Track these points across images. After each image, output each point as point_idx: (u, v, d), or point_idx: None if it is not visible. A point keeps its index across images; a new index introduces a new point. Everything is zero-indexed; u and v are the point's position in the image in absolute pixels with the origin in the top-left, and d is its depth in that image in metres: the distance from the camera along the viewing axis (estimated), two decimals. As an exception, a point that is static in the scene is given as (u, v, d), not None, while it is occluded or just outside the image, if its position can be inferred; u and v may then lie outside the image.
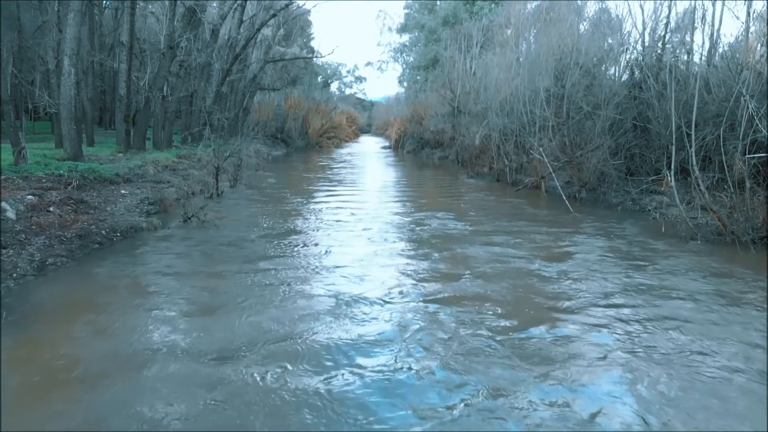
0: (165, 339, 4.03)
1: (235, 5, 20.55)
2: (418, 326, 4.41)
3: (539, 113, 13.32)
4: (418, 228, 8.56)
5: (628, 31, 13.82)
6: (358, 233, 8.10)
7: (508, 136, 15.19)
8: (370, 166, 22.74)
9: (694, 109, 7.65)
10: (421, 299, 5.07)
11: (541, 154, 11.83)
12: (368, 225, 8.74)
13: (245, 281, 5.49)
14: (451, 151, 23.58)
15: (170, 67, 16.71)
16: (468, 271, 5.99)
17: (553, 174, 11.60)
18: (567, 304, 5.01)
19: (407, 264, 6.36)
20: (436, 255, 6.78)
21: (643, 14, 13.37)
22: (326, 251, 6.88)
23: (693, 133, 7.49)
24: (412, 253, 6.96)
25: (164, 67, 16.05)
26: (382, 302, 4.96)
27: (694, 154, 7.45)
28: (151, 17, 22.79)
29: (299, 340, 4.07)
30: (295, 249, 6.99)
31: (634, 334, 4.32)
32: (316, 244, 7.28)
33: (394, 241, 7.61)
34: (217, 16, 20.07)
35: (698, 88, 7.87)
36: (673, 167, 7.74)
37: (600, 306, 4.97)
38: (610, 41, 14.88)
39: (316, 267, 6.15)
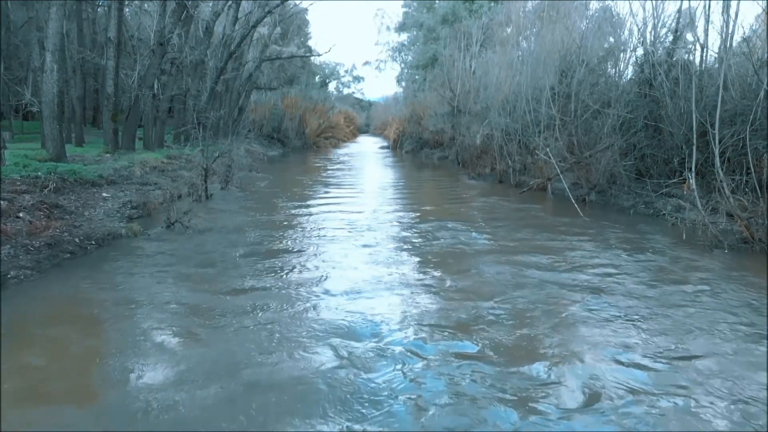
0: (109, 409, 3.12)
1: (229, 2, 19.97)
2: (438, 397, 3.34)
3: (545, 111, 12.76)
4: (425, 242, 7.60)
5: (636, 27, 13.27)
6: (359, 251, 7.01)
7: (511, 136, 14.63)
8: (368, 168, 22.16)
9: (718, 107, 7.09)
10: (441, 350, 4.01)
11: (547, 155, 11.27)
12: (369, 240, 7.68)
13: (222, 320, 4.47)
14: (451, 151, 23.05)
15: (161, 64, 16.11)
16: (494, 304, 4.98)
17: (561, 175, 11.03)
18: (629, 354, 3.98)
19: (419, 294, 5.30)
20: (453, 280, 5.74)
21: (653, 8, 12.79)
22: (322, 277, 5.79)
23: (717, 132, 6.93)
24: (424, 277, 5.88)
25: (154, 64, 15.44)
26: (392, 357, 3.88)
27: (718, 155, 6.88)
28: (144, 14, 22.19)
29: (280, 420, 3.09)
30: (286, 273, 5.89)
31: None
32: (310, 267, 6.19)
33: (401, 262, 6.49)
34: (211, 13, 19.50)
35: (721, 84, 7.31)
36: (693, 169, 7.17)
37: (670, 357, 3.94)
38: (612, 40, 14.37)
39: (310, 301, 5.02)
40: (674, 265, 6.45)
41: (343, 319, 4.57)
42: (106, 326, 4.31)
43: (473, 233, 8.19)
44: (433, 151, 26.72)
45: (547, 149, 11.40)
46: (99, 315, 4.54)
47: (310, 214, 9.82)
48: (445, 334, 4.33)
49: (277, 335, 4.21)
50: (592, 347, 4.10)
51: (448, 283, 5.69)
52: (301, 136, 33.32)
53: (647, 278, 5.91)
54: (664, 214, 8.88)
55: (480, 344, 4.13)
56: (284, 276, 5.82)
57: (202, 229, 7.80)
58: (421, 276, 5.96)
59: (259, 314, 4.65)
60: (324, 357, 3.86)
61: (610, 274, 6.01)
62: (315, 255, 6.76)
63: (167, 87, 17.94)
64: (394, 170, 22.16)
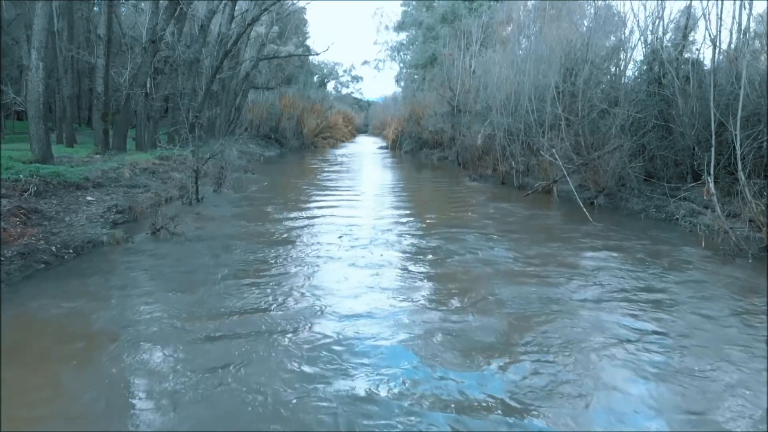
0: None
1: (225, 0, 19.52)
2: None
3: (549, 110, 12.33)
4: (433, 259, 6.78)
5: (638, 26, 12.83)
6: (359, 272, 6.14)
7: (513, 136, 14.19)
8: (366, 169, 21.69)
9: (740, 106, 6.67)
10: (459, 396, 3.38)
11: (553, 156, 10.83)
12: (370, 257, 6.80)
13: (198, 366, 3.72)
14: (451, 151, 22.63)
15: (153, 62, 15.65)
16: (527, 352, 4.08)
17: (567, 178, 10.59)
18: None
19: (430, 326, 4.55)
20: (474, 311, 4.87)
21: (656, 7, 12.35)
22: (319, 310, 4.89)
23: (738, 133, 6.50)
24: (436, 305, 5.09)
25: (146, 62, 14.98)
26: (404, 421, 3.17)
27: (740, 158, 6.45)
28: (140, 13, 21.74)
29: None
30: (276, 304, 5.01)
31: None
32: (304, 295, 5.29)
33: (409, 287, 5.65)
34: (206, 11, 19.05)
35: (743, 83, 6.87)
36: (713, 172, 6.74)
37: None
38: (613, 39, 13.97)
39: (306, 345, 4.13)
40: (720, 285, 5.69)
41: (342, 375, 3.71)
42: (58, 370, 3.65)
43: (484, 246, 7.42)
44: (433, 151, 26.31)
45: (553, 150, 10.96)
46: (53, 353, 3.91)
47: (306, 223, 9.09)
48: (465, 380, 3.65)
49: (262, 395, 3.39)
50: (657, 412, 3.30)
51: (470, 315, 4.83)
52: (298, 136, 32.87)
53: (696, 299, 5.21)
54: (677, 218, 8.45)
55: (511, 413, 3.30)
56: (274, 307, 4.94)
57: (190, 237, 7.34)
58: (433, 303, 5.19)
59: (244, 360, 3.81)
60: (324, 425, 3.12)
61: (649, 291, 5.40)
62: (310, 277, 5.90)
63: (161, 86, 17.50)
64: (393, 171, 21.72)
